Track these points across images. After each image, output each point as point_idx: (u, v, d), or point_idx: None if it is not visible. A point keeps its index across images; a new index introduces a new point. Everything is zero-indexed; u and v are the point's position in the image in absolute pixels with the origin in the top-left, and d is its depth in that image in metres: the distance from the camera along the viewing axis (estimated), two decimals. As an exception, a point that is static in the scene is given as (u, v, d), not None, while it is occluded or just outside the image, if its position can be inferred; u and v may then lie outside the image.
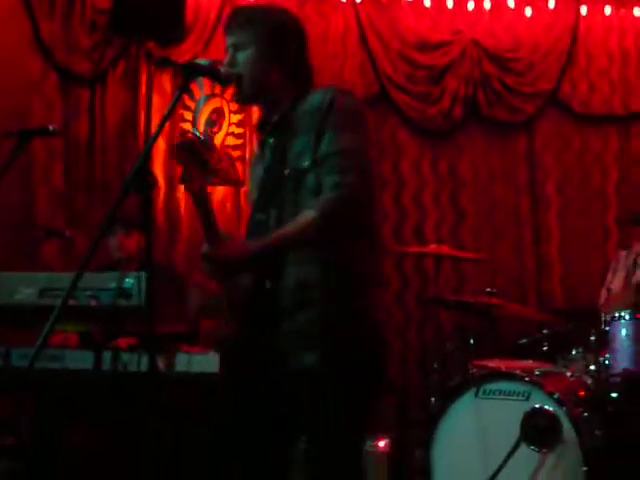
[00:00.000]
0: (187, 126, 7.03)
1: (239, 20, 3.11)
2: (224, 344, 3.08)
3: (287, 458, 3.10)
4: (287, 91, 3.09)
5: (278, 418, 3.03)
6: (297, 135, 3.00)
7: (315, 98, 3.00)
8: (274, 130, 3.12)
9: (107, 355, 4.34)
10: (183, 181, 2.92)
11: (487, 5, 7.46)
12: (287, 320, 2.93)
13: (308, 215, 2.86)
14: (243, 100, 3.17)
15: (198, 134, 3.12)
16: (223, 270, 2.92)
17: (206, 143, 3.00)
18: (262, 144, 3.23)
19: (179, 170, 6.23)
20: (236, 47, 3.07)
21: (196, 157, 2.86)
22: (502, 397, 4.81)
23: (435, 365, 5.75)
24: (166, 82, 7.03)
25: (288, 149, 3.02)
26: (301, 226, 2.87)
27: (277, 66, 3.07)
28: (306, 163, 2.94)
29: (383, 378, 3.09)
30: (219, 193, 7.00)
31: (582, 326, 5.35)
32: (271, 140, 3.14)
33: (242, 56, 3.06)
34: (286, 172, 2.99)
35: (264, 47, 3.05)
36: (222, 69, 3.03)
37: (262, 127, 3.22)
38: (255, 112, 6.36)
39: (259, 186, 3.15)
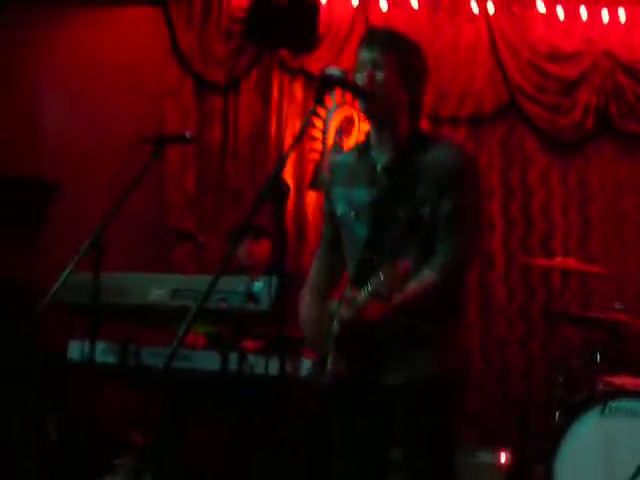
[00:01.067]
0: (317, 134, 7.10)
1: (384, 40, 3.20)
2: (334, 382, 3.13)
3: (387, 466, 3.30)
4: (404, 122, 3.20)
5: (380, 427, 3.25)
6: (419, 181, 3.11)
7: (444, 153, 3.15)
8: (393, 166, 3.19)
9: (234, 357, 4.42)
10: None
11: (622, 15, 7.32)
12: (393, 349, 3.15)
13: (430, 278, 3.06)
14: (370, 116, 3.23)
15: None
16: (364, 332, 3.04)
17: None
18: (368, 168, 3.26)
19: (308, 177, 6.34)
20: (376, 65, 3.14)
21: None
22: (629, 415, 4.74)
23: (560, 379, 5.67)
24: (298, 90, 7.13)
25: (407, 192, 3.12)
26: (426, 289, 3.05)
27: (406, 94, 3.19)
28: (426, 211, 3.08)
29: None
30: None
31: None
32: (386, 174, 3.19)
33: (380, 76, 3.13)
34: (400, 214, 3.11)
35: (402, 73, 3.16)
36: (358, 81, 3.11)
37: (368, 149, 3.28)
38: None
39: (358, 211, 3.22)
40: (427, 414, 3.14)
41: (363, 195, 3.22)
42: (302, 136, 3.05)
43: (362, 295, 2.92)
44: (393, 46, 3.17)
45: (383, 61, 3.13)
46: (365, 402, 3.21)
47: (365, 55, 3.17)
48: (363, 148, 3.30)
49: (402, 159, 3.17)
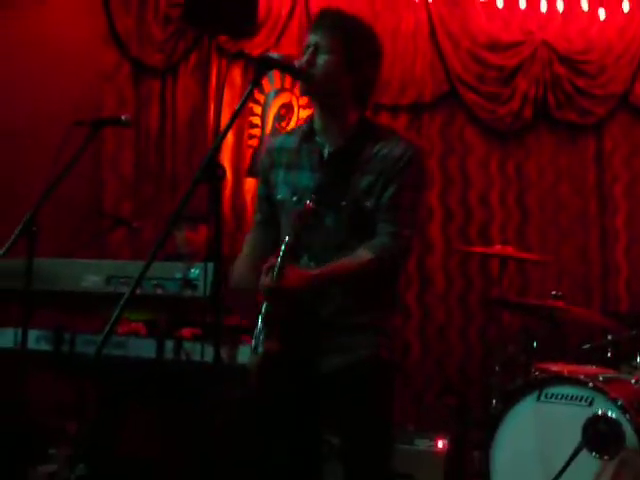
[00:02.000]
0: (256, 120, 7.06)
1: (328, 23, 3.16)
2: (266, 359, 3.11)
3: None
4: (351, 111, 3.18)
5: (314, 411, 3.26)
6: (365, 172, 3.11)
7: (394, 147, 3.13)
8: (340, 153, 3.17)
9: (170, 344, 4.37)
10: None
11: (560, 7, 7.38)
12: (322, 339, 3.16)
13: (365, 255, 3.06)
14: (309, 98, 3.23)
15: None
16: (286, 300, 3.05)
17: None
18: (313, 153, 3.24)
19: (246, 163, 6.28)
20: (318, 48, 3.11)
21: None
22: (564, 402, 4.76)
23: (497, 367, 5.70)
24: (237, 75, 7.07)
25: (352, 182, 3.12)
26: (358, 264, 3.06)
27: (350, 80, 3.14)
28: (369, 204, 3.10)
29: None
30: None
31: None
32: (332, 160, 3.18)
33: (322, 58, 3.10)
34: (343, 203, 3.11)
35: (345, 57, 3.12)
36: (296, 63, 3.07)
37: (312, 134, 3.25)
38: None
39: (299, 194, 3.19)
40: (362, 400, 3.14)
41: (306, 179, 3.19)
42: (236, 118, 2.97)
43: (279, 260, 2.96)
44: (339, 29, 3.13)
45: (327, 44, 3.10)
46: (298, 386, 3.20)
47: (310, 37, 3.15)
48: (306, 132, 3.26)
49: (349, 147, 3.16)
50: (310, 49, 3.12)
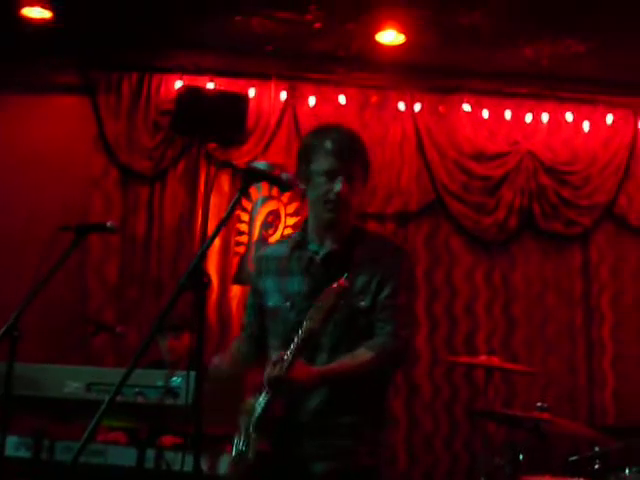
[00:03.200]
0: (243, 227, 7.09)
1: (354, 150, 3.27)
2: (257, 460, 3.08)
3: None
4: (350, 219, 3.32)
5: None
6: (359, 273, 3.18)
7: (386, 250, 3.29)
8: (332, 256, 3.25)
9: (151, 453, 4.30)
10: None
11: (545, 118, 7.49)
12: (307, 437, 3.16)
13: (366, 354, 3.10)
14: (337, 224, 3.28)
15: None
16: (289, 392, 3.06)
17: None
18: (304, 259, 3.30)
19: (232, 270, 6.27)
20: (350, 177, 3.22)
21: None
22: (551, 516, 4.69)
23: (483, 479, 5.61)
24: (225, 182, 7.12)
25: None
26: (360, 363, 3.10)
27: (360, 198, 3.34)
28: (364, 304, 3.17)
29: None
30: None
31: (635, 444, 5.22)
32: (323, 263, 3.25)
33: (351, 187, 3.23)
34: None
35: (364, 183, 3.32)
36: (283, 175, 3.10)
37: (304, 242, 3.34)
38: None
39: (292, 301, 3.23)
40: None
41: (297, 284, 3.25)
42: (222, 226, 2.98)
43: (289, 352, 2.97)
44: (360, 155, 3.27)
45: (354, 172, 3.23)
46: None
47: (335, 165, 3.21)
48: (299, 240, 3.35)
49: (342, 251, 3.25)
50: (339, 177, 3.20)
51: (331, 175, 3.21)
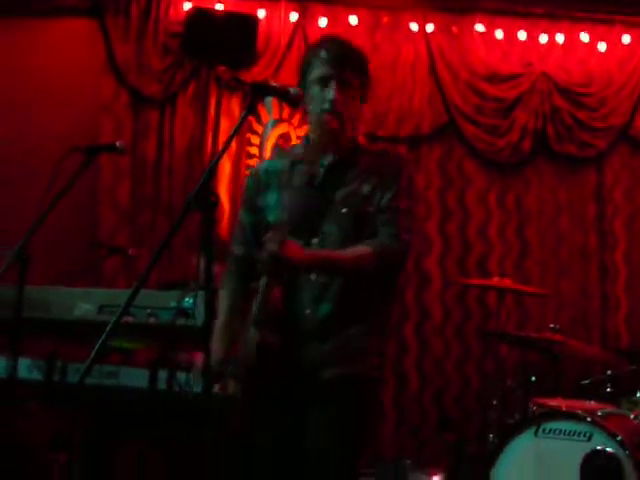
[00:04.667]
0: (254, 150, 7.05)
1: (350, 58, 3.25)
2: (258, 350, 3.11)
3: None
4: (350, 132, 3.28)
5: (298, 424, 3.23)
6: (365, 181, 3.21)
7: (387, 159, 3.31)
8: (330, 170, 3.25)
9: (163, 374, 4.32)
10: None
11: (560, 39, 7.38)
12: (315, 343, 3.17)
13: (365, 250, 3.11)
14: (333, 133, 3.24)
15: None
16: (281, 267, 3.05)
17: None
18: (306, 172, 3.29)
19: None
20: (342, 83, 3.19)
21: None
22: (562, 437, 4.71)
23: (494, 401, 5.63)
24: (235, 106, 7.07)
25: (349, 191, 3.20)
26: (357, 257, 3.12)
27: (362, 109, 3.33)
28: (371, 209, 3.18)
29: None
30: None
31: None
32: (328, 174, 3.25)
33: (347, 95, 3.20)
34: (344, 210, 3.18)
35: (365, 94, 3.30)
36: (291, 90, 3.05)
37: (306, 155, 3.32)
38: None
39: (296, 211, 3.22)
40: (341, 412, 3.15)
41: (301, 198, 3.24)
42: (230, 142, 2.94)
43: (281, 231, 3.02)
44: (358, 63, 3.26)
45: (350, 80, 3.21)
46: (287, 384, 3.21)
47: (329, 71, 3.20)
48: (300, 154, 3.34)
49: (344, 162, 3.25)
50: (332, 84, 3.18)
51: (324, 82, 3.20)
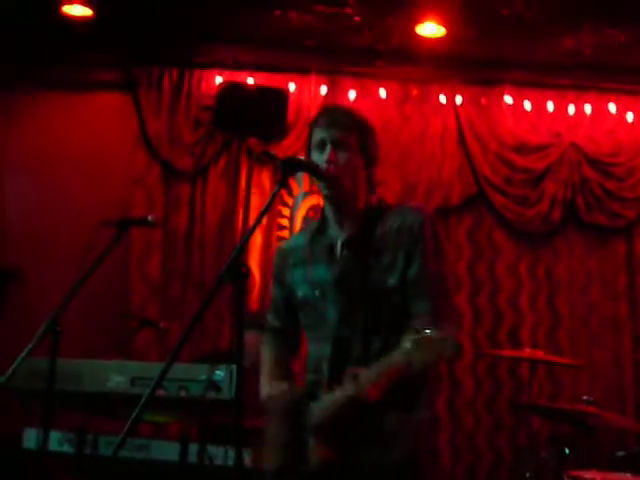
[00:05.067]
0: (285, 222, 7.09)
1: (344, 120, 3.17)
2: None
3: None
4: (364, 196, 3.18)
5: None
6: (383, 250, 3.06)
7: (405, 218, 3.09)
8: (354, 239, 3.14)
9: (194, 448, 4.31)
10: None
11: (588, 110, 7.42)
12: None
13: (398, 361, 2.81)
14: (330, 195, 3.18)
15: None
16: (341, 433, 2.95)
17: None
18: (326, 246, 3.21)
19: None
20: (337, 145, 3.11)
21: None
22: (598, 510, 4.64)
23: (528, 474, 5.56)
24: (265, 179, 7.13)
25: (372, 263, 3.06)
26: (397, 371, 2.84)
27: (367, 173, 3.18)
28: (392, 281, 3.01)
29: None
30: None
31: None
32: (347, 248, 3.15)
33: (343, 156, 3.10)
34: (368, 286, 3.04)
35: (363, 154, 3.15)
36: (321, 165, 3.07)
37: (323, 229, 3.25)
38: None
39: (322, 291, 3.14)
40: None
41: (325, 273, 3.16)
42: (262, 217, 2.96)
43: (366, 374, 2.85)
44: (352, 124, 3.15)
45: (344, 140, 3.11)
46: None
47: (324, 134, 3.13)
48: (318, 228, 3.26)
49: (363, 231, 3.13)
50: (328, 147, 3.11)
51: (321, 145, 3.12)
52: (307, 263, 3.24)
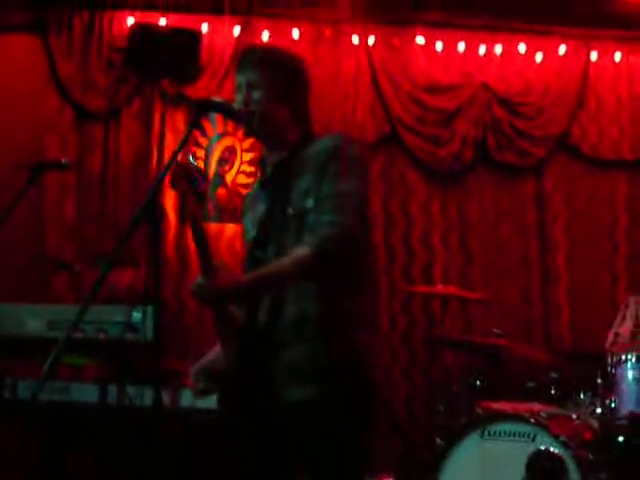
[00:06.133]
0: (199, 164, 7.08)
1: (254, 60, 3.21)
2: (221, 377, 3.07)
3: None
4: (292, 133, 3.21)
5: (273, 449, 3.09)
6: (302, 176, 3.08)
7: (323, 143, 3.11)
8: (277, 170, 3.20)
9: (113, 389, 4.35)
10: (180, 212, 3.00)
11: (498, 50, 7.51)
12: (280, 354, 3.00)
13: (301, 251, 2.92)
14: (252, 135, 3.26)
15: (193, 162, 3.17)
16: (214, 300, 2.98)
17: (200, 172, 3.10)
18: (262, 183, 3.30)
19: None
20: (250, 85, 3.16)
21: (191, 185, 2.99)
22: (507, 438, 4.80)
23: (441, 406, 5.72)
24: (179, 120, 7.09)
25: (292, 189, 3.09)
26: (294, 261, 2.92)
27: (286, 108, 3.19)
28: (309, 203, 3.02)
29: (371, 423, 3.08)
30: (229, 231, 7.04)
31: (589, 369, 5.34)
32: (272, 180, 3.21)
33: (256, 95, 3.14)
34: (290, 211, 3.06)
35: (277, 89, 3.17)
36: (235, 105, 3.11)
37: (264, 165, 3.31)
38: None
39: (258, 224, 3.20)
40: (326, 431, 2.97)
41: (259, 208, 3.22)
42: (175, 158, 2.99)
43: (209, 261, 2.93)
44: (266, 64, 3.18)
45: (257, 81, 3.14)
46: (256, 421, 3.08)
47: (240, 78, 3.18)
48: (260, 169, 3.36)
49: (288, 159, 3.17)
50: (242, 89, 3.16)
51: (239, 89, 3.17)
52: (253, 206, 3.30)
